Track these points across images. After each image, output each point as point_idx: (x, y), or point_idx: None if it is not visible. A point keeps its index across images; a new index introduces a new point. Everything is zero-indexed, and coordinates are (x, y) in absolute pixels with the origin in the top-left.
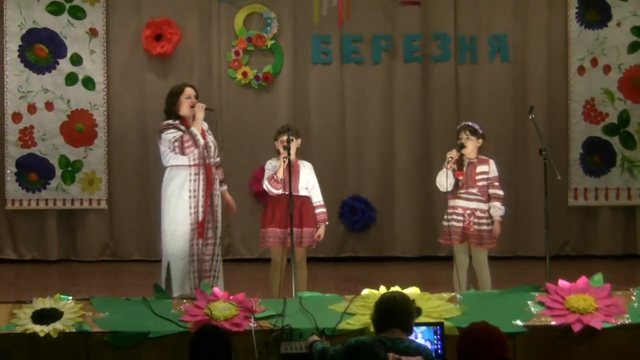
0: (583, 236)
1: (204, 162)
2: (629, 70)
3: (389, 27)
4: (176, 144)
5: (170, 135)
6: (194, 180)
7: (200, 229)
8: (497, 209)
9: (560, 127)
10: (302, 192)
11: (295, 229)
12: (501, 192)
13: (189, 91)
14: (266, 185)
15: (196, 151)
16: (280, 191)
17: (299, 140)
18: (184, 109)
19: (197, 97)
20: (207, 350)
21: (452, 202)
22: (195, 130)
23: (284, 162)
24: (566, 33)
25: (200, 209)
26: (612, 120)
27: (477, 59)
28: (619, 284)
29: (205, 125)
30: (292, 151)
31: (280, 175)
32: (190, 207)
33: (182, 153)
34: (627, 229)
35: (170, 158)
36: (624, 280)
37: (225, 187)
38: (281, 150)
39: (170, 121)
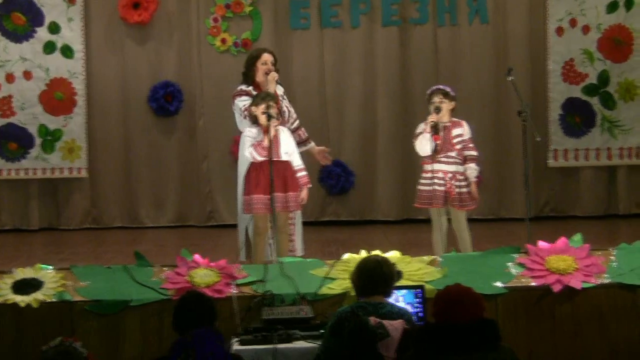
0: (564, 197)
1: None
2: (608, 30)
3: None
4: (246, 112)
5: (241, 103)
6: None
7: None
8: (473, 170)
9: (539, 88)
10: (284, 157)
11: (280, 194)
12: (476, 153)
13: (265, 57)
14: (251, 153)
15: None
16: (264, 158)
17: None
18: (260, 75)
19: (275, 62)
20: (191, 317)
21: (430, 167)
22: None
23: (275, 130)
24: None
25: None
26: (592, 81)
27: (456, 21)
28: (600, 244)
29: (280, 90)
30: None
31: (267, 142)
32: None
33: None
34: (608, 189)
35: (244, 123)
36: (605, 240)
37: (312, 144)
38: (260, 116)
39: (243, 87)
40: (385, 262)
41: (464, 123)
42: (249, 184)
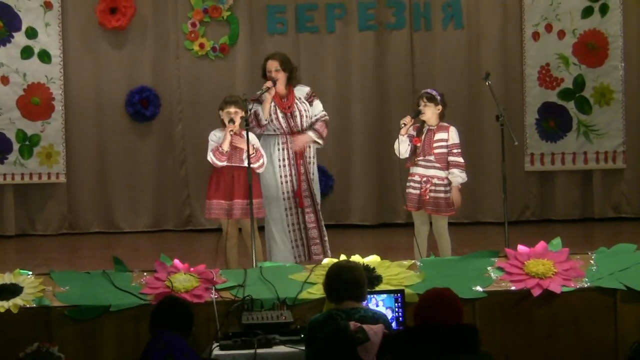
0: (541, 201)
1: (290, 130)
2: (583, 35)
3: None
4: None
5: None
6: (282, 149)
7: (299, 197)
8: (456, 176)
9: (515, 92)
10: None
11: (240, 201)
12: (460, 160)
13: (268, 65)
14: (210, 157)
15: (276, 122)
16: (224, 163)
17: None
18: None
19: (282, 64)
20: (167, 322)
21: (411, 170)
22: (259, 109)
23: (231, 134)
24: None
25: (294, 178)
26: (568, 85)
27: (431, 26)
28: (577, 248)
29: (302, 93)
30: (237, 121)
31: (225, 147)
32: (281, 176)
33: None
34: (584, 192)
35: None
36: (581, 244)
37: (314, 135)
38: (226, 121)
39: (258, 92)
40: (349, 268)
41: (452, 129)
42: (210, 188)
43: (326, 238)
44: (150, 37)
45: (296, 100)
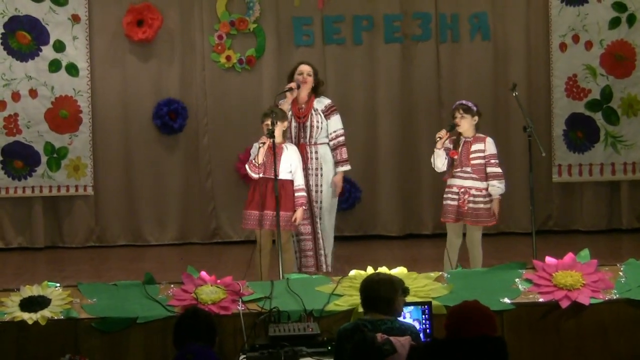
0: (567, 211)
1: (298, 141)
2: (611, 45)
3: (369, 7)
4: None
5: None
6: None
7: None
8: (496, 188)
9: (542, 103)
10: (284, 175)
11: (271, 212)
12: (499, 170)
13: (301, 68)
14: (247, 169)
15: (287, 131)
16: (259, 175)
17: (285, 123)
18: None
19: (315, 73)
20: (189, 334)
21: (449, 182)
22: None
23: (262, 146)
24: (547, 10)
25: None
26: (595, 96)
27: (458, 38)
28: (604, 259)
29: (321, 105)
30: (277, 133)
31: (259, 159)
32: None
33: None
34: (612, 203)
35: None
36: (608, 255)
37: (341, 168)
38: (265, 133)
39: (280, 92)
40: (384, 283)
41: (488, 139)
42: (247, 198)
43: (323, 251)
44: (177, 49)
45: (312, 111)
